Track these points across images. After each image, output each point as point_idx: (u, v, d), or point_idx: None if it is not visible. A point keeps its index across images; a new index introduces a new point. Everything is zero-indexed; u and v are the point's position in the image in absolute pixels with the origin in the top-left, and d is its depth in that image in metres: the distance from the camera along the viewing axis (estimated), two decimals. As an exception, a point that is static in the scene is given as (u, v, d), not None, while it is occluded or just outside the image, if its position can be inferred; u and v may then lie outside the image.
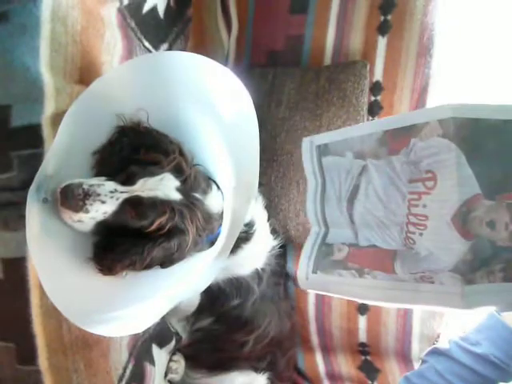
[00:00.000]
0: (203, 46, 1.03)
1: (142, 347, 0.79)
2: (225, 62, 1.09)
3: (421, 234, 0.59)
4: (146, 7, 0.83)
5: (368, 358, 1.11)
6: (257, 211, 0.89)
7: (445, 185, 0.57)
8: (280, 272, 0.98)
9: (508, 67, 0.99)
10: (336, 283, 0.65)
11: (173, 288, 0.66)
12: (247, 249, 0.85)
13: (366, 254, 0.64)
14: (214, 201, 0.76)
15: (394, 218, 0.61)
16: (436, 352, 0.70)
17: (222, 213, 0.75)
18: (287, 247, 1.04)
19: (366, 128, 0.66)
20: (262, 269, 0.91)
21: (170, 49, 0.90)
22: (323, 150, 0.71)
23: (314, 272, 0.68)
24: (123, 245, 0.67)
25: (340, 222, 0.69)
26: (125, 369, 0.74)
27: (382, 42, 1.00)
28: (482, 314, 0.67)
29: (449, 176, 0.56)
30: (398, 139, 0.62)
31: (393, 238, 0.62)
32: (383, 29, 0.99)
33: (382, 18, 0.99)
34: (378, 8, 0.99)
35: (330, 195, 0.71)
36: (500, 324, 0.64)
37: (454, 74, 1.01)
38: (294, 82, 0.99)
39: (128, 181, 0.67)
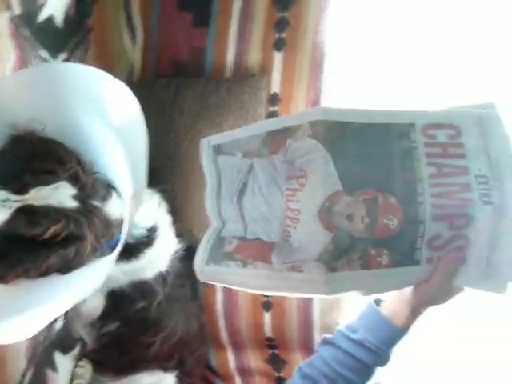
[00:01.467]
0: (106, 56, 1.05)
1: (42, 354, 0.80)
2: (130, 73, 1.11)
3: (295, 227, 0.65)
4: (42, 16, 0.84)
5: (275, 351, 1.18)
6: (160, 216, 0.92)
7: (313, 181, 0.63)
8: (186, 274, 1.02)
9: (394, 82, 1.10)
10: (224, 273, 0.70)
11: (65, 293, 0.68)
12: (150, 253, 0.88)
13: (251, 246, 0.69)
14: (113, 207, 0.78)
15: (274, 212, 0.67)
16: (325, 341, 0.77)
17: (123, 219, 0.78)
18: (194, 250, 1.08)
19: (252, 129, 0.72)
20: (167, 271, 0.95)
21: (68, 58, 0.91)
22: (217, 150, 0.76)
23: (207, 264, 0.73)
24: (17, 253, 0.69)
25: (232, 217, 0.74)
26: (23, 376, 0.75)
27: (278, 57, 1.08)
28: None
29: (316, 174, 0.63)
30: (277, 140, 0.68)
31: (273, 231, 0.67)
32: (279, 45, 1.07)
33: (277, 35, 1.07)
34: (274, 26, 1.06)
35: (223, 192, 0.75)
36: (374, 311, 0.73)
37: (344, 87, 1.11)
38: (196, 93, 1.04)
39: (21, 190, 0.68)
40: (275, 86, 1.09)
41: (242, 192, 0.73)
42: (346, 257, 0.61)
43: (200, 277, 0.74)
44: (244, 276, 0.67)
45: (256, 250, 0.68)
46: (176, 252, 0.96)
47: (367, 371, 0.72)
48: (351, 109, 0.64)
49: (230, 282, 0.70)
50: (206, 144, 0.77)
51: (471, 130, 0.65)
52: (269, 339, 1.18)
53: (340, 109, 0.64)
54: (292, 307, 1.14)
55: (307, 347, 1.16)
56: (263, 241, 0.68)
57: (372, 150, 0.64)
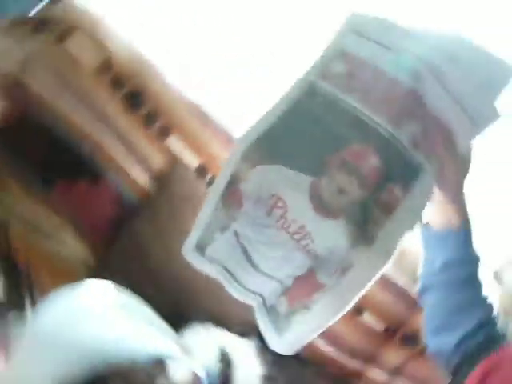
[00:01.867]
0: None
1: None
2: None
3: (312, 240, 0.65)
4: None
5: None
6: (222, 343, 0.86)
7: (288, 193, 0.66)
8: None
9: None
10: (301, 332, 0.67)
11: None
12: None
13: (297, 288, 0.68)
14: (177, 375, 0.73)
15: (285, 247, 0.66)
16: (420, 294, 0.73)
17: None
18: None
19: (208, 206, 0.71)
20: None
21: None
22: (200, 247, 0.74)
23: (281, 336, 0.68)
24: None
25: (263, 283, 0.70)
26: None
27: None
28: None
29: (284, 187, 0.66)
30: (232, 194, 0.68)
31: (299, 260, 0.66)
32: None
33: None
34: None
35: (238, 273, 0.72)
36: (432, 235, 0.70)
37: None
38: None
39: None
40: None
41: (249, 258, 0.70)
42: (371, 220, 0.59)
43: (288, 352, 0.69)
44: (316, 317, 0.63)
45: (304, 287, 0.65)
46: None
47: (472, 281, 0.67)
48: (252, 129, 0.66)
49: (309, 334, 0.65)
50: (189, 252, 0.74)
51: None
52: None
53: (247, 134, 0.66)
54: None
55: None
56: (301, 275, 0.65)
57: (302, 128, 0.64)
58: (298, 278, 0.66)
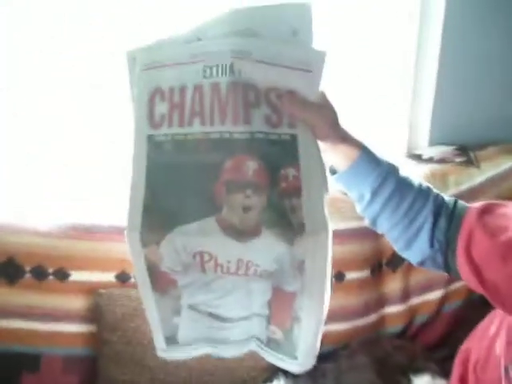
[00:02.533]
0: None
1: None
2: None
3: (257, 266, 0.63)
4: None
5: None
6: None
7: (211, 246, 0.62)
8: None
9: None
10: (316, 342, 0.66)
11: None
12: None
13: (281, 311, 0.66)
14: None
15: (237, 287, 0.64)
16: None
17: None
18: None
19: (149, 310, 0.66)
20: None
21: None
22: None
23: (305, 362, 0.66)
24: None
25: (255, 326, 0.68)
26: None
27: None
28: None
29: (208, 244, 0.62)
30: (160, 279, 0.64)
31: (265, 291, 0.64)
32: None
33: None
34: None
35: (231, 338, 0.68)
36: (342, 175, 0.69)
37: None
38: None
39: None
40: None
41: (218, 317, 0.66)
42: (288, 211, 0.59)
43: (312, 363, 0.67)
44: (311, 319, 0.62)
45: (281, 305, 0.63)
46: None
47: (403, 184, 0.69)
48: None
49: (316, 336, 0.64)
50: (164, 351, 0.68)
51: None
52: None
53: None
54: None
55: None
56: (271, 297, 0.64)
57: (172, 181, 0.60)
58: (271, 302, 0.64)
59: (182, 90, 0.60)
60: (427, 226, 0.68)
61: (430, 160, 1.25)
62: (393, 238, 0.72)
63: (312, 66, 0.59)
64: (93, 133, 1.08)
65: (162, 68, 0.62)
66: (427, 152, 1.30)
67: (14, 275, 0.88)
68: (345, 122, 0.66)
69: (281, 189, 0.59)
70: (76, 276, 0.90)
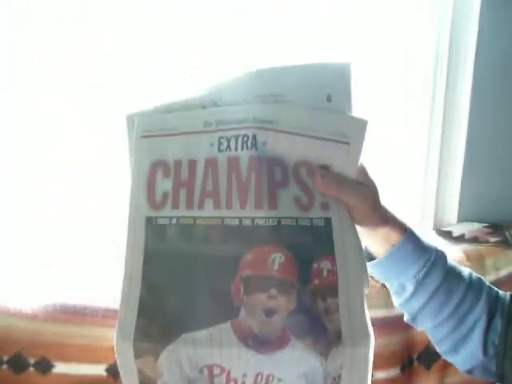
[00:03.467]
0: None
1: None
2: None
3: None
4: None
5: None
6: None
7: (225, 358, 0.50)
8: None
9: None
10: None
11: None
12: None
13: None
14: None
15: None
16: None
17: None
18: None
19: None
20: None
21: None
22: None
23: None
24: None
25: None
26: None
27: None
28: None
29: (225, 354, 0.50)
30: None
31: None
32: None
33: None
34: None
35: None
36: (380, 264, 0.60)
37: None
38: None
39: None
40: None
41: None
42: (323, 314, 0.49)
43: None
44: None
45: None
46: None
47: (449, 273, 0.59)
48: None
49: None
50: None
51: None
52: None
53: None
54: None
55: None
56: None
57: (177, 279, 0.50)
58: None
59: (191, 164, 0.51)
60: (480, 328, 0.58)
61: (462, 238, 1.15)
62: (437, 339, 0.62)
63: (350, 136, 0.50)
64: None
65: (166, 136, 0.52)
66: (457, 229, 1.20)
67: (-13, 366, 0.75)
68: (386, 202, 0.56)
69: (313, 286, 0.49)
70: (60, 368, 0.77)
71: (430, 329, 0.62)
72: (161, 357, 0.48)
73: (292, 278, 0.48)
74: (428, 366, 0.94)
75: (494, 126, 1.18)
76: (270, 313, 0.48)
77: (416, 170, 1.25)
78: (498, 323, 0.58)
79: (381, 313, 0.91)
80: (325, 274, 0.49)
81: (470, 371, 0.62)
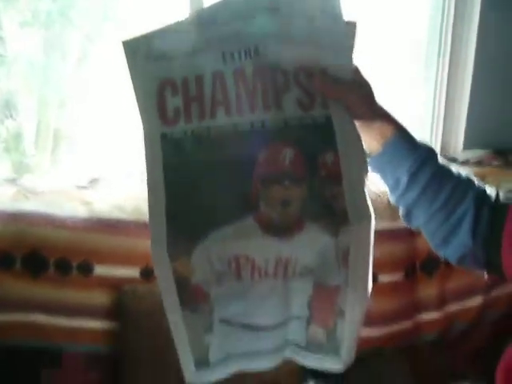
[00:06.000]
0: None
1: None
2: None
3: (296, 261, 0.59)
4: None
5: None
6: None
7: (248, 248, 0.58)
8: None
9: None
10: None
11: None
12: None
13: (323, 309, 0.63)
14: None
15: (278, 293, 0.60)
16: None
17: None
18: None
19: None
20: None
21: None
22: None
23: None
24: None
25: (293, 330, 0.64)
26: None
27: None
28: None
29: (250, 250, 0.58)
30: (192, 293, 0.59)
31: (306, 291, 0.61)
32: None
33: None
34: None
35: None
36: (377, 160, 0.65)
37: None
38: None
39: None
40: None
41: (252, 328, 0.61)
42: (330, 200, 0.55)
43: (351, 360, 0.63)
44: (355, 312, 0.59)
45: (324, 303, 0.60)
46: None
47: (441, 170, 0.64)
48: None
49: (357, 330, 0.61)
50: (194, 378, 0.62)
51: None
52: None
53: None
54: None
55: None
56: (312, 296, 0.60)
57: (200, 183, 0.55)
58: (311, 301, 0.59)
59: (198, 79, 0.55)
60: (469, 217, 0.62)
61: (466, 163, 1.20)
62: (430, 231, 0.66)
63: (342, 40, 0.55)
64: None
65: (170, 58, 0.55)
66: (462, 155, 1.25)
67: (37, 268, 0.86)
68: (380, 99, 0.61)
69: (321, 177, 0.55)
70: (100, 270, 0.88)
71: (423, 223, 0.67)
72: (193, 256, 0.54)
73: (302, 171, 0.54)
74: (430, 274, 1.03)
75: (502, 52, 1.20)
76: (285, 203, 0.54)
77: (422, 98, 1.28)
78: (486, 214, 0.64)
79: (387, 224, 0.99)
80: (329, 165, 0.55)
81: (460, 260, 0.67)
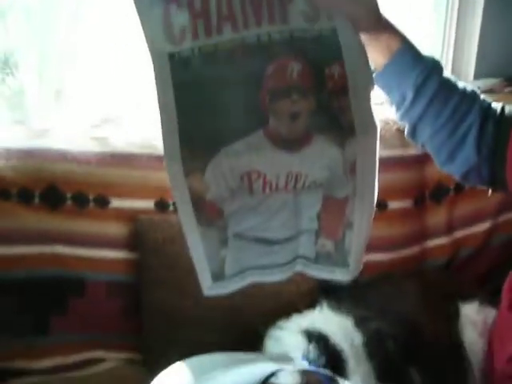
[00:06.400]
0: None
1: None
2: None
3: (306, 175, 0.62)
4: None
5: None
6: None
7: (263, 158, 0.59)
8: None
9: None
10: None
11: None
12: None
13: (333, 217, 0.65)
14: None
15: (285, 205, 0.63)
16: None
17: None
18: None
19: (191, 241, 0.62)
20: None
21: None
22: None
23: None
24: None
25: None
26: None
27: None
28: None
29: (256, 157, 0.59)
30: (206, 208, 0.61)
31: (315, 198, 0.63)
32: None
33: None
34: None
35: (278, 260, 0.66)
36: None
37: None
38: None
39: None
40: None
41: (265, 241, 0.64)
42: (337, 112, 0.56)
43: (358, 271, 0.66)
44: (363, 222, 0.61)
45: (333, 215, 0.61)
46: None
47: (446, 83, 0.64)
48: None
49: (364, 241, 0.63)
50: (211, 289, 0.65)
51: None
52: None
53: None
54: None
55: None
56: (321, 209, 0.61)
57: (208, 100, 0.55)
58: (320, 214, 0.61)
59: None
60: (474, 131, 0.63)
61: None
62: (435, 147, 0.67)
63: None
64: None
65: None
66: (473, 84, 1.23)
67: (55, 201, 0.88)
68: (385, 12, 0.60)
69: (328, 89, 0.55)
70: (116, 203, 0.90)
71: (428, 138, 0.67)
72: (207, 171, 0.56)
73: (309, 84, 0.55)
74: (438, 201, 1.05)
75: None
76: (294, 116, 0.55)
77: (432, 26, 1.25)
78: (490, 127, 0.64)
79: (397, 152, 1.01)
80: (336, 77, 0.55)
81: (465, 176, 0.68)
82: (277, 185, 0.58)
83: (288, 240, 0.64)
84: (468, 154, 0.65)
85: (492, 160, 0.64)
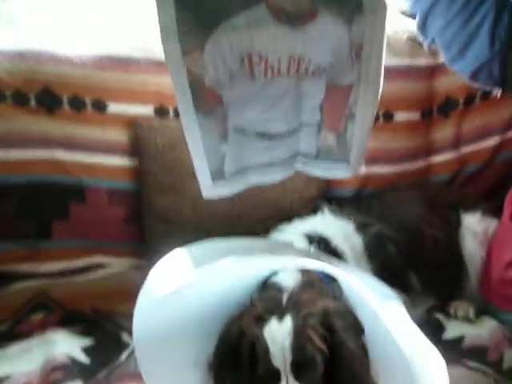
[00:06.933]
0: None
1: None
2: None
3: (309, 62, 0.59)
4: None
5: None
6: None
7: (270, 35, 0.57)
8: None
9: None
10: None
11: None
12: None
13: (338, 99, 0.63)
14: None
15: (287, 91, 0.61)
16: None
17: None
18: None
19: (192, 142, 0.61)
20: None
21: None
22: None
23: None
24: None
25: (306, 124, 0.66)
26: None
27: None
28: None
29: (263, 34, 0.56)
30: (209, 96, 0.59)
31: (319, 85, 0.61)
32: None
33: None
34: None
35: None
36: None
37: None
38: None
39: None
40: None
41: (267, 136, 0.62)
42: None
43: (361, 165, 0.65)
44: (366, 110, 0.58)
45: (336, 104, 0.59)
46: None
47: None
48: None
49: (367, 132, 0.61)
50: (210, 190, 0.65)
51: None
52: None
53: None
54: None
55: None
56: (324, 98, 0.59)
57: None
58: (323, 104, 0.59)
59: None
60: (488, 22, 0.59)
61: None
62: (446, 41, 0.63)
63: None
64: None
65: None
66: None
67: (51, 104, 0.86)
68: None
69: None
70: (114, 108, 0.88)
71: (439, 32, 0.63)
72: (205, 50, 0.53)
73: None
74: (446, 115, 1.02)
75: None
76: None
77: None
78: (506, 18, 0.60)
79: (406, 61, 0.96)
80: None
81: (475, 75, 0.64)
82: (279, 69, 0.56)
83: (289, 133, 0.62)
84: (480, 48, 0.61)
85: (504, 55, 0.61)
